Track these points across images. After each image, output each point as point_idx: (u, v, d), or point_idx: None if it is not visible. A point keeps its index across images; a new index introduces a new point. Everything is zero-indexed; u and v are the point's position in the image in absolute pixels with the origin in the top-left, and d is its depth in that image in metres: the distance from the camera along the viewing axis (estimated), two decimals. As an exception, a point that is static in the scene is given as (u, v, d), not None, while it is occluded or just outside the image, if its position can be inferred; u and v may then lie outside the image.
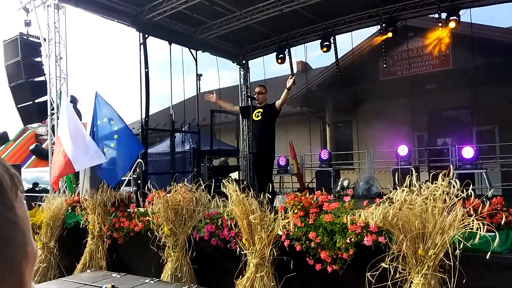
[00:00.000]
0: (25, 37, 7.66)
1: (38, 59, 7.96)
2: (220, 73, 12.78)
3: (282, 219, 3.82)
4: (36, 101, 7.69)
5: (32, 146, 12.24)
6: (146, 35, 8.16)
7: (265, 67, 11.12)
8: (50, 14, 7.20)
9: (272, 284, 3.79)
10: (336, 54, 9.68)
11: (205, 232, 4.39)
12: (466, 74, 9.16)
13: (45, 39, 7.30)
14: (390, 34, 8.58)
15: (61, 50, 7.25)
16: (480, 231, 2.81)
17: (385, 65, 10.23)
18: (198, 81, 10.15)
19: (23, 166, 11.31)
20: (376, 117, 11.77)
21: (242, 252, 3.98)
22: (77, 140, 5.57)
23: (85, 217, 5.49)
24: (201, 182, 4.81)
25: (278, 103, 5.66)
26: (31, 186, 9.49)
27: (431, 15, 8.68)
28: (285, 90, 5.49)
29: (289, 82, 5.40)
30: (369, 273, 3.17)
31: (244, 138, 10.89)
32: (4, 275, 0.50)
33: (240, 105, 9.46)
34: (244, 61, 11.13)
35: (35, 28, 7.52)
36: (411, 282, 3.03)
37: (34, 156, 12.13)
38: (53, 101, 7.27)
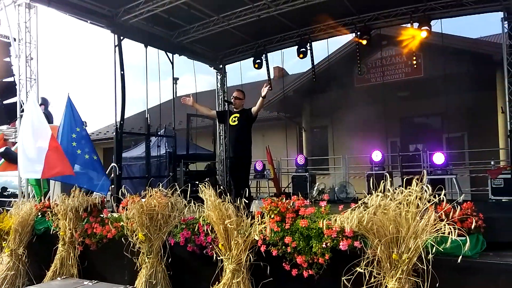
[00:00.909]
0: (-7, 36, 7.42)
1: (8, 59, 7.72)
2: (197, 77, 12.75)
3: (258, 224, 3.82)
4: (4, 102, 7.45)
5: (2, 149, 11.76)
6: (122, 37, 8.04)
7: (242, 72, 11.18)
8: (21, 13, 6.98)
9: (249, 290, 3.77)
10: (312, 60, 9.80)
11: (181, 237, 4.33)
12: (437, 82, 9.45)
13: (15, 39, 7.07)
14: (364, 42, 8.76)
15: (32, 51, 7.02)
16: (452, 235, 2.88)
17: (359, 72, 10.43)
18: (174, 84, 10.04)
19: (-10, 169, 10.88)
20: (351, 123, 11.96)
21: (218, 258, 3.94)
22: (30, 148, 5.49)
23: (55, 222, 5.32)
24: (177, 186, 4.74)
25: (254, 109, 5.67)
26: (-1, 190, 9.15)
27: (404, 25, 8.92)
28: (260, 98, 5.50)
29: (264, 91, 5.44)
30: (344, 278, 3.20)
31: (221, 143, 10.85)
32: None
33: (217, 110, 9.43)
34: (221, 66, 11.11)
35: (5, 27, 7.29)
36: (386, 286, 3.07)
37: (2, 160, 11.67)
38: (23, 103, 7.04)
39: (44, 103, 10.55)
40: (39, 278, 5.22)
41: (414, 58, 9.13)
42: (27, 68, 7.00)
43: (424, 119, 13.01)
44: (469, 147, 11.03)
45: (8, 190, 8.95)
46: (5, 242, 5.52)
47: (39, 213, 5.69)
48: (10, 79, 7.69)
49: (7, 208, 5.85)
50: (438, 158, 7.28)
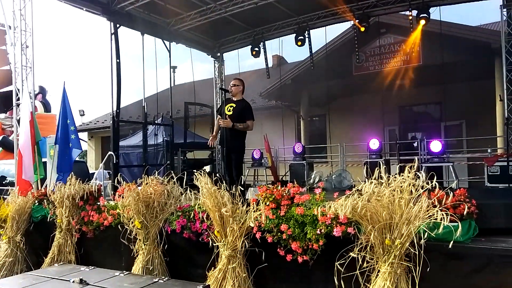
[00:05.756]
0: (-12, 24, 7.36)
1: (3, 47, 7.68)
2: (194, 66, 12.67)
3: (254, 211, 3.84)
4: (0, 90, 7.42)
5: (-1, 138, 11.78)
6: (118, 25, 7.97)
7: (240, 60, 11.11)
8: (15, 0, 6.92)
9: (244, 275, 3.80)
10: (310, 48, 9.75)
11: (177, 225, 4.36)
12: (436, 71, 9.41)
13: (10, 27, 7.02)
14: (362, 29, 8.70)
15: (27, 39, 6.98)
16: (444, 221, 2.90)
17: (358, 61, 10.39)
18: (172, 73, 10.00)
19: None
20: (349, 111, 11.96)
21: (214, 244, 3.97)
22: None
23: (52, 210, 5.35)
24: (173, 175, 4.75)
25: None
26: (-3, 179, 9.15)
27: (402, 12, 8.86)
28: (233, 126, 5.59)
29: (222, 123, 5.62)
30: (338, 263, 3.23)
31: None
32: None
33: (215, 108, 9.55)
34: (218, 54, 11.04)
35: (0, 15, 7.23)
36: (378, 271, 3.10)
37: (1, 148, 11.69)
38: (18, 91, 7.01)
39: (42, 91, 10.50)
40: (37, 265, 5.25)
41: (413, 46, 9.09)
42: (22, 56, 6.96)
43: (422, 107, 13.00)
44: (467, 135, 11.04)
45: (6, 179, 8.95)
46: (2, 229, 5.55)
47: (36, 201, 5.72)
48: (6, 67, 7.66)
49: (4, 196, 5.86)
50: (435, 146, 7.31)
